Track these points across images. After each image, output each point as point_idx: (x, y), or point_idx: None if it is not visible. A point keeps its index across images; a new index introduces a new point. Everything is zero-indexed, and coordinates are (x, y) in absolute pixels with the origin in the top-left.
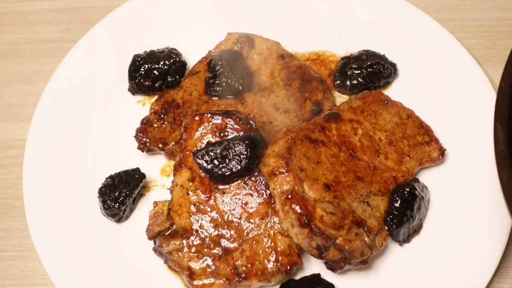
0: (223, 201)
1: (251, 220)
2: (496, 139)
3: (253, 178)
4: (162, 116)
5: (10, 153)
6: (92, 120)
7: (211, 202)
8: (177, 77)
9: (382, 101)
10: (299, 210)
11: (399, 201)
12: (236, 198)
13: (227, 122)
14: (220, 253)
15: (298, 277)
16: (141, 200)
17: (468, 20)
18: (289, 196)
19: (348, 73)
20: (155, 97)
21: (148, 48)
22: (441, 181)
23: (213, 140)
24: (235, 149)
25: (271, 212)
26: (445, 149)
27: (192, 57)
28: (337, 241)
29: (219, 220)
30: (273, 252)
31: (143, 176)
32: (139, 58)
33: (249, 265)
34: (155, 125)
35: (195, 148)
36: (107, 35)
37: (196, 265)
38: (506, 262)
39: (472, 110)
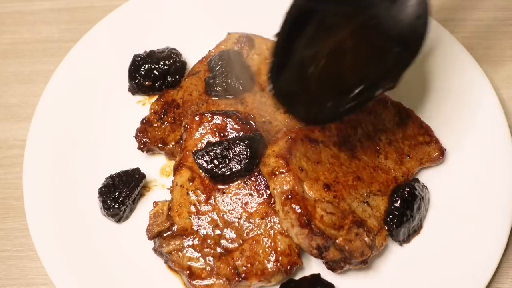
0: (223, 201)
1: (251, 220)
2: None
3: (253, 178)
4: (162, 116)
5: (10, 153)
6: (92, 120)
7: (211, 202)
8: (177, 77)
9: (382, 101)
10: (299, 210)
11: (399, 201)
12: (236, 198)
13: (227, 122)
14: (220, 253)
15: (298, 277)
16: (141, 200)
17: (468, 20)
18: (289, 196)
19: None
20: (155, 97)
21: (148, 48)
22: (441, 181)
23: (213, 140)
24: (235, 149)
25: (271, 212)
26: (445, 149)
27: (192, 57)
28: (337, 241)
29: (219, 220)
30: (273, 252)
31: (143, 176)
32: (139, 58)
33: (249, 265)
34: (155, 125)
35: (195, 148)
36: (107, 35)
37: (196, 265)
38: (506, 262)
39: (472, 110)
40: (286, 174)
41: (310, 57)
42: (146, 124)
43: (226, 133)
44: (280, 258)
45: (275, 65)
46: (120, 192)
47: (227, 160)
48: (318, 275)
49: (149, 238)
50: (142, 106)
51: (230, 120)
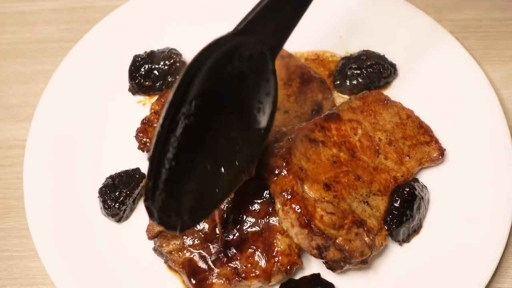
0: None
1: (251, 220)
2: None
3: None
4: None
5: (10, 153)
6: (93, 120)
7: None
8: (177, 77)
9: (382, 101)
10: (299, 210)
11: (399, 201)
12: (235, 198)
13: None
14: (220, 253)
15: (298, 277)
16: (141, 200)
17: (468, 20)
18: (289, 196)
19: (348, 73)
20: (156, 97)
21: (148, 48)
22: (441, 181)
23: None
24: None
25: (271, 211)
26: (445, 149)
27: (192, 57)
28: (337, 241)
29: (219, 220)
30: (273, 252)
31: (143, 176)
32: (139, 58)
33: (249, 265)
34: (155, 125)
35: None
36: (107, 35)
37: (196, 265)
38: (506, 262)
39: (472, 110)
40: (286, 174)
41: (183, 171)
42: (146, 124)
43: None
44: (280, 258)
45: (151, 189)
46: (121, 192)
47: None
48: (318, 275)
49: (149, 238)
50: (142, 106)
51: None
